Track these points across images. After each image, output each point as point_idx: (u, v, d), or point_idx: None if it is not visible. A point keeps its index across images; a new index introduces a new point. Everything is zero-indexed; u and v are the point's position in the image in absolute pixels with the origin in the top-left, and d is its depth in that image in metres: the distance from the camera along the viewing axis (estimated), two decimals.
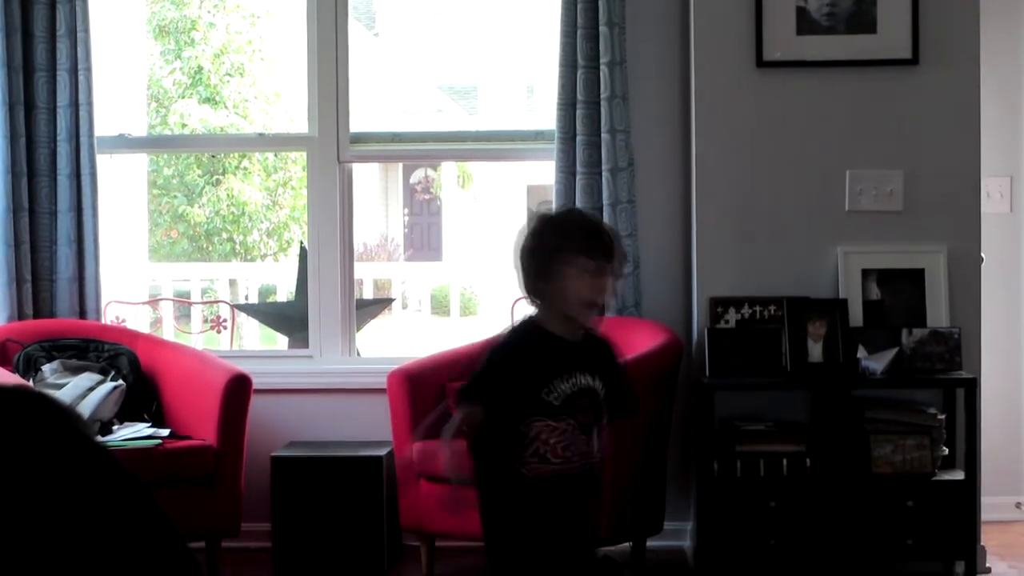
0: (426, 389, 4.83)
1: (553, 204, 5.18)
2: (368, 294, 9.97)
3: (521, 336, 3.13)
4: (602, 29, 5.04)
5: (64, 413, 1.42)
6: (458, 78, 17.04)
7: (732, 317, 4.88)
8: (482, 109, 15.89)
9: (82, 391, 4.81)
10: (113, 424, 4.78)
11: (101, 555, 1.35)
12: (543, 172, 6.11)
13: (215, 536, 4.75)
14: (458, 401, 3.08)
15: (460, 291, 11.41)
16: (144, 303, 7.12)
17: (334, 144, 5.43)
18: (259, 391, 4.92)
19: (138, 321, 6.54)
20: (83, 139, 5.27)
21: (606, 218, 5.07)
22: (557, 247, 3.02)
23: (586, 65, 5.09)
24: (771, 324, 4.84)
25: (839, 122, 4.91)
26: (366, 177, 16.80)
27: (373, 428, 5.14)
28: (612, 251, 3.04)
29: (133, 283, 7.19)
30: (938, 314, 4.81)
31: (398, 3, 17.08)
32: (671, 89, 5.19)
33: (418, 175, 18.48)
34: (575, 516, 3.08)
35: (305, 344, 5.69)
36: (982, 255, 4.96)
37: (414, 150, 5.98)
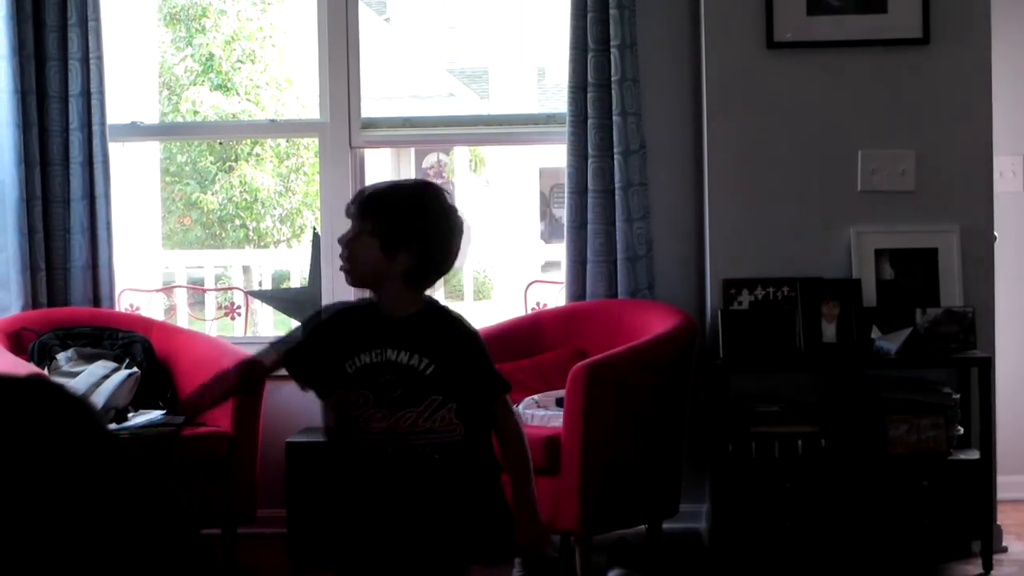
0: None
1: (565, 188, 5.19)
2: None
3: (348, 305, 3.21)
4: (612, 12, 5.03)
5: (77, 403, 1.42)
6: (469, 62, 17.02)
7: (745, 299, 4.87)
8: (493, 93, 15.86)
9: (97, 379, 4.82)
10: (128, 411, 4.79)
11: (114, 545, 1.35)
12: (555, 155, 6.11)
13: (231, 523, 4.76)
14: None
15: (473, 275, 11.41)
16: (158, 290, 7.13)
17: (346, 130, 5.43)
18: (273, 377, 4.91)
19: (152, 308, 6.56)
20: (95, 127, 5.27)
21: (618, 201, 5.07)
22: None
23: (596, 48, 5.08)
24: (785, 305, 4.84)
25: (851, 102, 4.90)
26: (378, 162, 16.78)
27: None
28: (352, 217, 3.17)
29: (147, 270, 7.21)
30: (951, 293, 4.80)
31: None
32: (682, 71, 5.18)
33: (430, 160, 18.46)
34: (387, 497, 2.89)
35: None
36: (995, 234, 4.95)
37: (426, 135, 5.97)
